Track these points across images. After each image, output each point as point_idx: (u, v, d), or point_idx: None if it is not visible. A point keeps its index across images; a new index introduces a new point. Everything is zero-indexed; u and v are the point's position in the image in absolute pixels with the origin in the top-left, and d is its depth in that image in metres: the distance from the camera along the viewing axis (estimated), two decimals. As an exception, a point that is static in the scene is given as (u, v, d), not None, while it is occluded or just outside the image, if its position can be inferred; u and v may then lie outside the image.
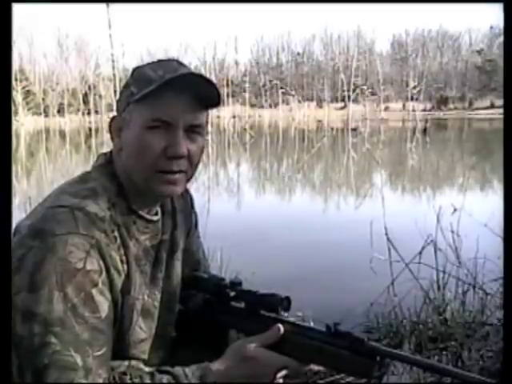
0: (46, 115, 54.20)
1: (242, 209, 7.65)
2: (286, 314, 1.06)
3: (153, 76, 0.97)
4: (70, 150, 20.43)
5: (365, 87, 58.03)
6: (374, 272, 3.55)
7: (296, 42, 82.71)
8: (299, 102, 63.06)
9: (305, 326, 1.02)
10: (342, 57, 72.43)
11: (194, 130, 1.00)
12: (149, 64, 1.03)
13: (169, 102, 0.96)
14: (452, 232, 3.15)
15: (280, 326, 1.00)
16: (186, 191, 1.21)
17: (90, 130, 36.83)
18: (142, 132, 0.97)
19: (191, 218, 1.25)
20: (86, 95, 59.05)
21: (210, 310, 1.15)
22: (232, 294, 1.12)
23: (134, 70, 1.03)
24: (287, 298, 1.06)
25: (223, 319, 1.13)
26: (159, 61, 1.04)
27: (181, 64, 1.02)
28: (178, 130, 0.97)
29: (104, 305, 0.90)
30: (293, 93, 62.61)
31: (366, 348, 0.91)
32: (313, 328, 1.00)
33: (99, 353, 0.88)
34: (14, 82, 46.18)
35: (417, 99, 58.92)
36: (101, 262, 0.91)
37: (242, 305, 1.11)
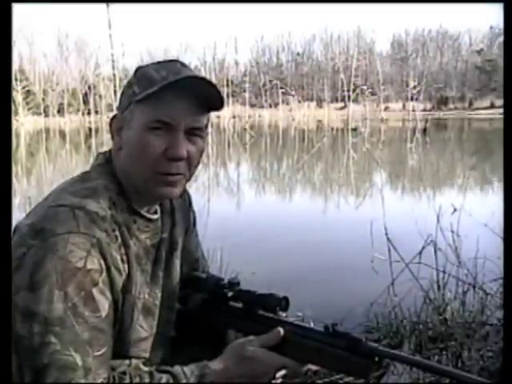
0: (46, 115, 54.23)
1: (242, 209, 7.65)
2: (284, 314, 1.06)
3: (155, 77, 0.97)
4: (70, 150, 20.43)
5: (365, 87, 58.05)
6: (375, 272, 3.55)
7: (296, 42, 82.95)
8: (299, 101, 63.11)
9: (303, 326, 1.02)
10: (342, 57, 72.42)
11: (195, 133, 1.00)
12: (152, 64, 1.03)
13: (171, 103, 0.96)
14: (452, 232, 3.15)
15: (280, 329, 1.00)
16: (184, 190, 1.21)
17: (90, 129, 36.83)
18: (143, 132, 0.97)
19: (189, 217, 1.25)
20: (86, 95, 59.07)
21: (209, 310, 1.15)
22: (230, 293, 1.12)
23: (137, 69, 1.04)
24: (285, 298, 1.06)
25: (221, 319, 1.13)
26: (162, 61, 1.04)
27: (184, 65, 1.02)
28: (178, 132, 0.98)
29: (104, 304, 0.90)
30: (293, 93, 62.64)
31: (364, 348, 0.91)
32: (311, 328, 1.01)
33: (99, 352, 0.88)
34: (14, 82, 46.21)
35: (417, 99, 58.94)
36: (101, 262, 0.91)
37: (241, 305, 1.11)
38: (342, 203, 8.02)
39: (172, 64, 1.02)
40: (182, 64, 1.03)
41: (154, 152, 0.97)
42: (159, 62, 1.03)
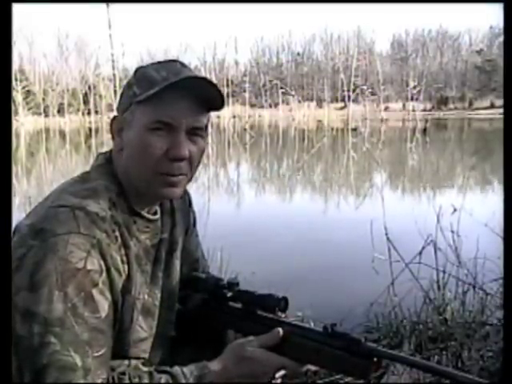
0: (46, 115, 54.23)
1: (242, 209, 7.65)
2: (283, 315, 1.06)
3: (156, 77, 0.97)
4: (70, 150, 20.42)
5: (365, 87, 58.05)
6: (375, 272, 3.55)
7: (296, 42, 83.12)
8: (299, 101, 63.09)
9: (302, 326, 1.02)
10: (342, 57, 72.42)
11: (196, 133, 1.00)
12: (152, 64, 1.03)
13: (171, 104, 0.96)
14: (452, 232, 3.14)
15: (280, 329, 1.00)
16: (184, 190, 1.21)
17: (90, 129, 36.84)
18: (144, 133, 0.97)
19: (189, 217, 1.25)
20: (86, 95, 59.06)
21: (208, 310, 1.15)
22: (229, 294, 1.12)
23: (137, 70, 1.03)
24: (284, 299, 1.06)
25: (221, 319, 1.13)
26: (162, 61, 1.04)
27: (183, 65, 1.02)
28: (180, 132, 0.97)
29: (104, 305, 0.90)
30: (293, 93, 62.62)
31: (362, 349, 0.91)
32: (310, 328, 1.01)
33: (99, 353, 0.88)
34: (14, 82, 46.22)
35: (417, 99, 58.94)
36: (101, 262, 0.91)
37: (240, 305, 1.11)
38: (342, 203, 8.02)
39: (172, 64, 1.01)
40: (182, 64, 1.03)
41: (155, 153, 0.97)
42: (159, 62, 1.03)
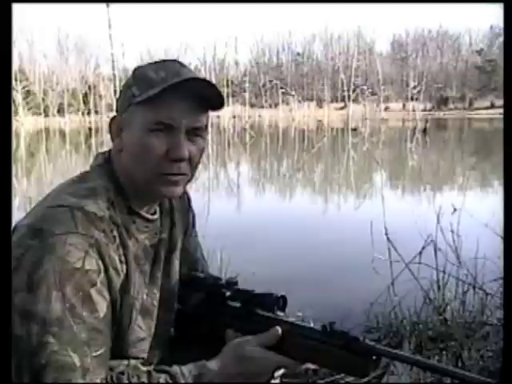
0: (46, 115, 54.22)
1: (242, 209, 7.64)
2: (281, 314, 1.05)
3: (154, 78, 0.97)
4: (70, 150, 20.41)
5: (365, 87, 58.12)
6: (375, 272, 3.55)
7: (296, 42, 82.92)
8: (299, 102, 63.13)
9: (301, 325, 1.02)
10: (342, 57, 72.46)
11: (196, 133, 1.00)
12: (150, 64, 1.03)
13: (171, 105, 0.96)
14: (452, 232, 3.14)
15: (278, 328, 0.99)
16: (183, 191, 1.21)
17: (90, 129, 36.82)
18: (144, 134, 0.97)
19: (188, 217, 1.25)
20: (86, 95, 59.04)
21: (207, 310, 1.15)
22: (228, 293, 1.12)
23: (135, 70, 1.03)
24: (283, 297, 1.06)
25: (220, 319, 1.13)
26: (160, 61, 1.04)
27: (182, 65, 1.02)
28: (179, 133, 0.97)
29: (102, 304, 0.90)
30: (293, 93, 62.66)
31: (361, 347, 0.91)
32: (309, 327, 1.00)
33: (97, 353, 0.88)
34: (14, 82, 46.19)
35: (417, 99, 58.96)
36: (99, 262, 0.91)
37: (239, 304, 1.11)
38: (342, 203, 8.02)
39: (170, 64, 1.01)
40: (181, 64, 1.02)
41: (155, 154, 0.97)
42: (157, 62, 1.03)
